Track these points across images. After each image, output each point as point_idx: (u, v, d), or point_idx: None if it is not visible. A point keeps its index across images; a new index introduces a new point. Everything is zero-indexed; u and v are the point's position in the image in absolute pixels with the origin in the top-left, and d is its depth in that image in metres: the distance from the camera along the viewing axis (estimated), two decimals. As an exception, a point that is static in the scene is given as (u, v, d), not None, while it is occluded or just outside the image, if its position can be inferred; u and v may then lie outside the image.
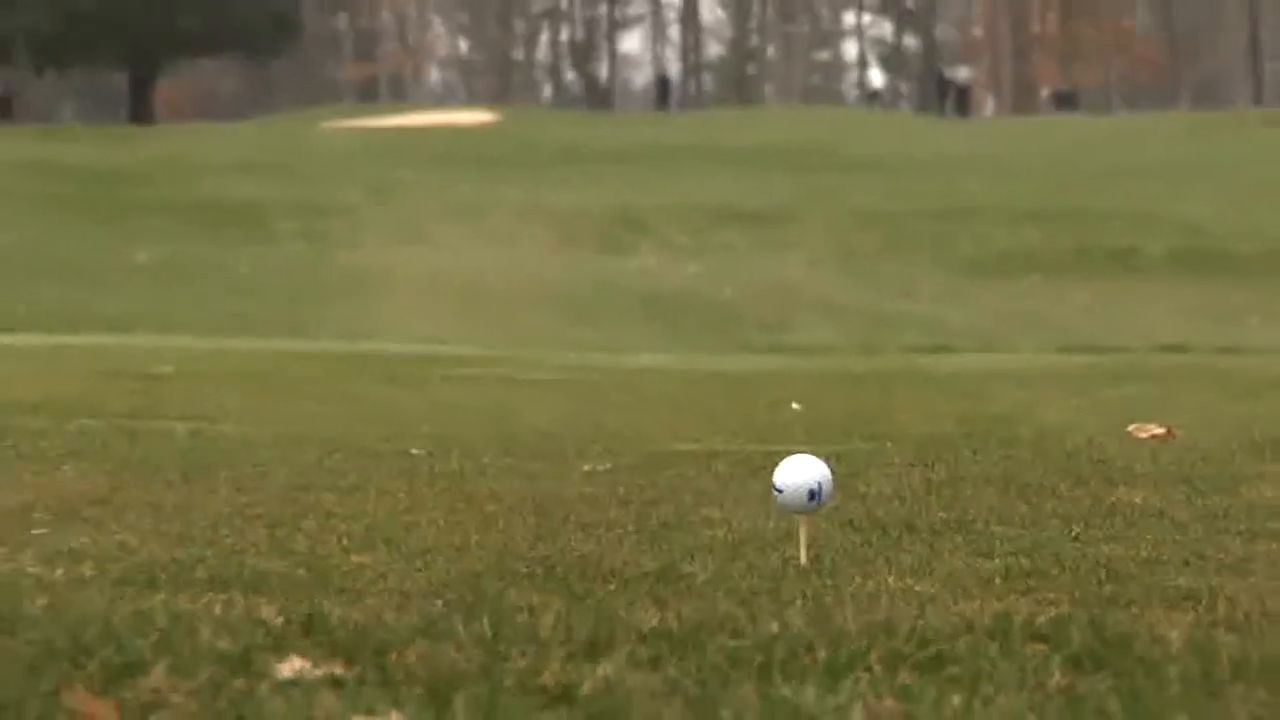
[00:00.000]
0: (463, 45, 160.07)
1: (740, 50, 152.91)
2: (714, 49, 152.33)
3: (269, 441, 10.15)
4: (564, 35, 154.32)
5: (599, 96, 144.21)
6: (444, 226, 67.83)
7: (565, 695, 5.80)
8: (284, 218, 67.63)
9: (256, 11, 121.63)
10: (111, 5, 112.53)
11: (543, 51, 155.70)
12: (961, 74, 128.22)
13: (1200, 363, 21.21)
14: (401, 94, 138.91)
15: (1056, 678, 5.98)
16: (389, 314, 45.53)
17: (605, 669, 5.98)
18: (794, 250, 64.56)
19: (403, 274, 56.66)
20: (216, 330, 32.35)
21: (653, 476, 9.25)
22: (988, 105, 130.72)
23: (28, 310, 38.99)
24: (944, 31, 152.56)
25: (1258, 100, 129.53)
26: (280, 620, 6.37)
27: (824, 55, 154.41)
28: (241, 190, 74.33)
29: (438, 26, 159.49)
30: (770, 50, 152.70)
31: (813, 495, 6.12)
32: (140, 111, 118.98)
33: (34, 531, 7.34)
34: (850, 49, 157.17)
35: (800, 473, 6.18)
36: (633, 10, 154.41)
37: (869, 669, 6.04)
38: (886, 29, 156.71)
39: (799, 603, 6.32)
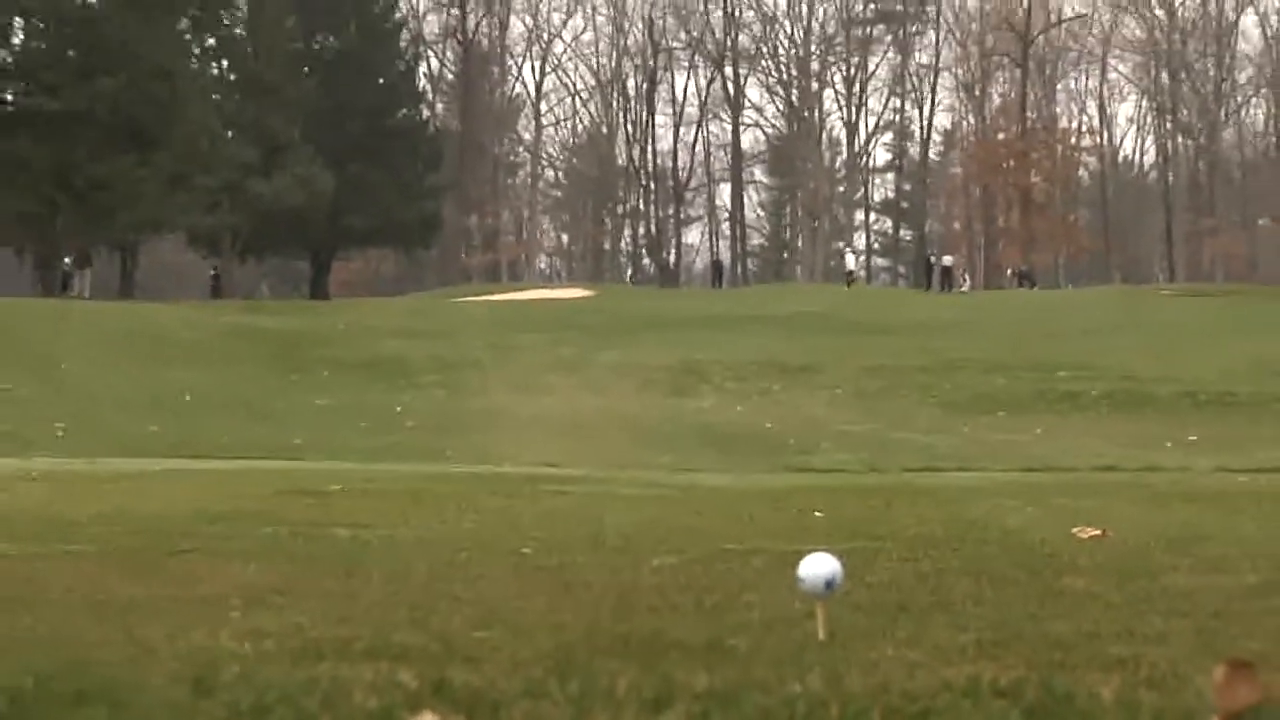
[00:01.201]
0: (564, 238, 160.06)
1: (776, 241, 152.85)
2: (756, 240, 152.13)
3: (412, 542, 10.09)
4: (641, 230, 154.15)
5: (668, 277, 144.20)
6: (551, 377, 67.86)
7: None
8: (428, 371, 67.73)
9: (409, 214, 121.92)
10: (297, 209, 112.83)
11: (625, 242, 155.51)
12: (946, 260, 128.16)
13: (1128, 479, 21.10)
14: (517, 275, 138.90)
15: (1016, 726, 6.01)
16: (508, 444, 45.39)
17: (667, 720, 6.01)
18: (819, 392, 64.45)
19: (519, 413, 56.62)
20: (375, 457, 32.25)
21: (707, 569, 9.20)
22: (965, 282, 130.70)
23: (227, 440, 39.04)
24: (931, 227, 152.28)
25: (1170, 277, 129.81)
26: (416, 683, 6.41)
27: (839, 244, 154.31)
28: (396, 349, 74.42)
29: (545, 224, 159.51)
30: (799, 241, 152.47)
31: (828, 584, 6.12)
32: (319, 290, 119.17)
33: (229, 614, 7.33)
34: (859, 240, 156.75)
35: (819, 566, 6.18)
36: (694, 211, 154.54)
37: (871, 721, 6.07)
38: (888, 224, 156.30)
39: (817, 669, 6.36)
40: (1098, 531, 11.09)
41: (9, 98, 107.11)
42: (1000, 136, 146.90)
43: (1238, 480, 21.80)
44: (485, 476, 21.20)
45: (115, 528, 10.20)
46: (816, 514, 13.02)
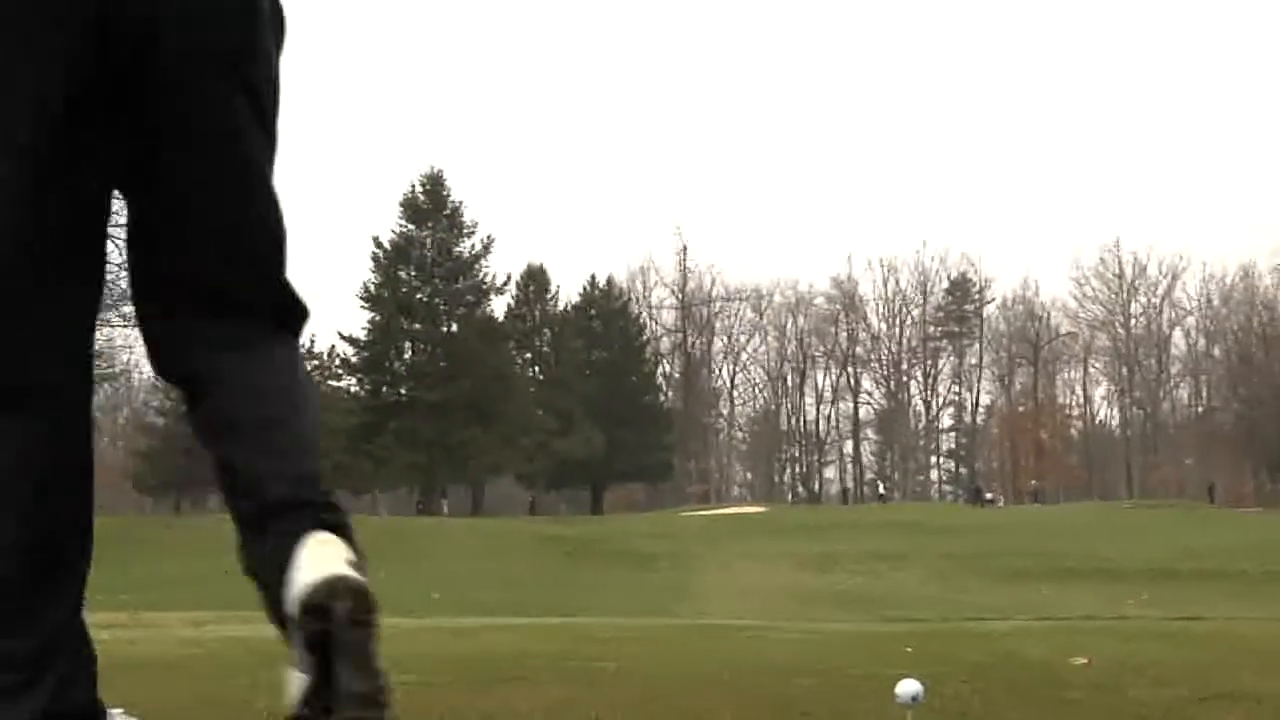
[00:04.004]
0: (749, 475, 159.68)
1: (881, 475, 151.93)
2: (869, 475, 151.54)
3: (648, 677, 9.91)
4: (796, 469, 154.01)
5: (813, 498, 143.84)
6: (741, 563, 67.47)
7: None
8: (664, 559, 67.61)
9: (652, 461, 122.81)
10: (583, 459, 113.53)
11: (787, 477, 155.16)
12: (989, 494, 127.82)
13: (1103, 625, 20.74)
14: (720, 499, 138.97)
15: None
16: (716, 605, 45.15)
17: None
18: (909, 572, 63.85)
19: (723, 586, 56.36)
20: (628, 613, 32.04)
21: (838, 685, 9.03)
22: (1000, 501, 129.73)
23: (540, 605, 38.89)
24: (978, 466, 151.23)
25: (1130, 496, 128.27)
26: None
27: (920, 478, 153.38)
28: (645, 546, 74.25)
29: (737, 466, 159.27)
30: (896, 475, 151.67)
31: (914, 699, 6.00)
32: (597, 509, 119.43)
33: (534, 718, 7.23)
34: (934, 474, 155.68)
35: (908, 686, 6.07)
36: (829, 457, 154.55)
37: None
38: (952, 465, 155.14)
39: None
40: (1085, 660, 10.86)
41: (403, 391, 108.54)
42: (1021, 409, 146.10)
43: (1176, 624, 21.43)
44: (701, 626, 21.00)
45: (472, 662, 10.12)
46: (907, 650, 12.78)
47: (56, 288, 3.29)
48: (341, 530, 3.21)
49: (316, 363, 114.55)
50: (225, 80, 3.25)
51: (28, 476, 3.28)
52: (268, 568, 3.15)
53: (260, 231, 3.40)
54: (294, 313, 3.49)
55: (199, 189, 3.31)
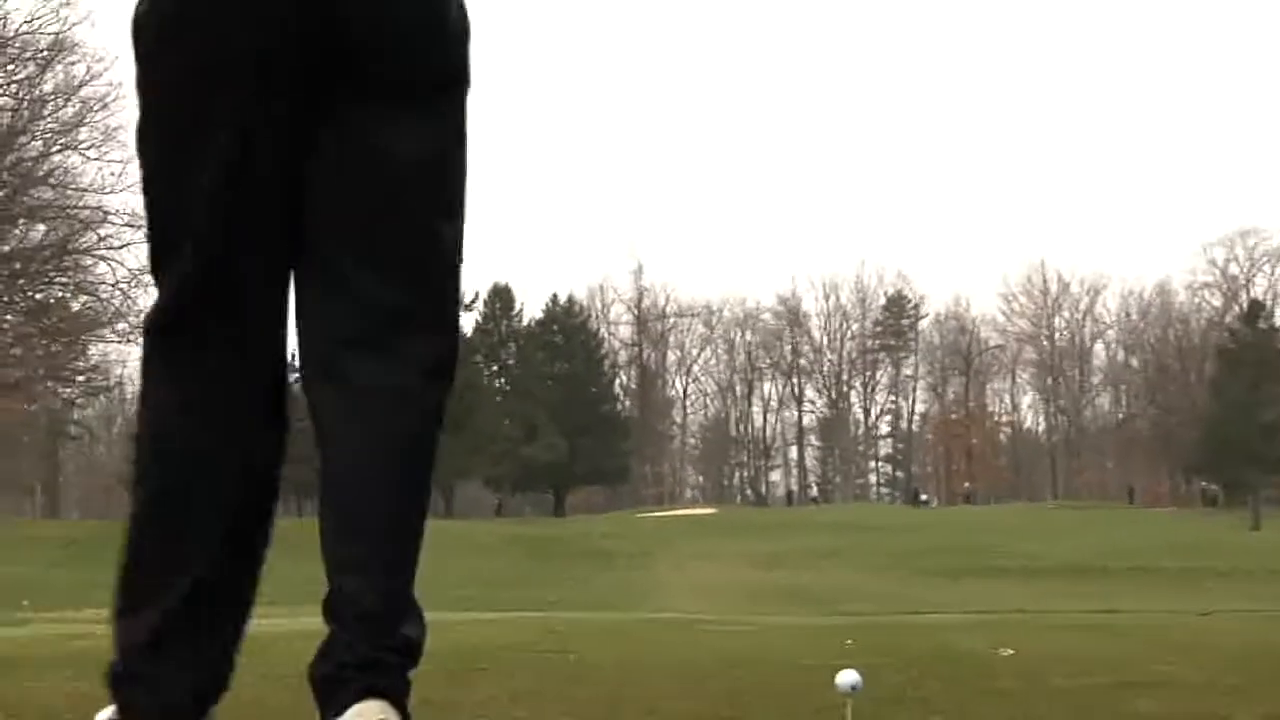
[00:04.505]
0: (700, 478, 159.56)
1: (824, 479, 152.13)
2: (811, 478, 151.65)
3: (608, 668, 9.89)
4: (745, 473, 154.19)
5: (760, 500, 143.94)
6: (694, 560, 67.53)
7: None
8: (622, 557, 67.57)
9: (611, 465, 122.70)
10: (546, 464, 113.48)
11: (736, 480, 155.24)
12: (924, 496, 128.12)
13: (1029, 618, 20.83)
14: (673, 500, 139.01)
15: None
16: (671, 599, 45.16)
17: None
18: (850, 569, 63.91)
19: (677, 582, 56.35)
20: (590, 608, 31.96)
21: (784, 675, 9.03)
22: (934, 502, 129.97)
23: (508, 600, 38.87)
24: (913, 470, 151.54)
25: (1055, 497, 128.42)
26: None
27: (860, 481, 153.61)
28: (605, 545, 74.24)
29: (689, 470, 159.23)
30: (838, 478, 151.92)
31: (853, 688, 5.98)
32: (559, 510, 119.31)
33: (500, 706, 7.22)
34: (873, 478, 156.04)
35: (847, 676, 6.05)
36: (775, 462, 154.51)
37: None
38: (889, 469, 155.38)
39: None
40: (1012, 651, 10.88)
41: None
42: (953, 416, 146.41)
43: (1098, 617, 21.48)
44: (652, 620, 20.99)
45: (444, 654, 10.17)
46: (848, 642, 12.78)
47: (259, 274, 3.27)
48: (393, 695, 3.12)
49: (297, 375, 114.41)
50: (418, 105, 3.19)
51: (221, 406, 3.28)
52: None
53: (441, 264, 3.31)
54: (449, 362, 3.42)
55: (380, 216, 3.21)
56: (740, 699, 7.26)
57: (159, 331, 3.30)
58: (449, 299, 3.34)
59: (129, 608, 3.33)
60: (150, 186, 3.25)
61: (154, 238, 3.28)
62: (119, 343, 61.51)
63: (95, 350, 63.96)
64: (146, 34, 3.19)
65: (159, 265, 3.28)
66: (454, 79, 3.24)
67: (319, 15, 3.07)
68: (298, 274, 3.29)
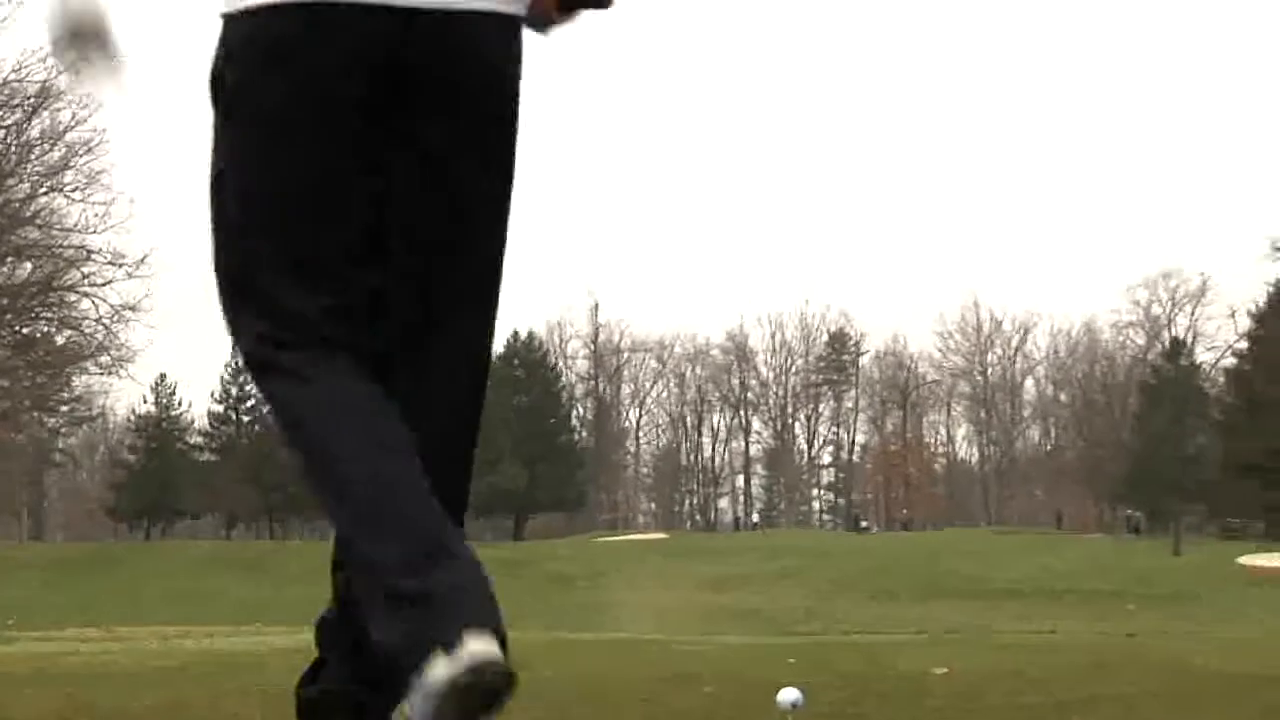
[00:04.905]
0: (653, 505, 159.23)
1: (769, 505, 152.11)
2: (758, 505, 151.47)
3: (567, 685, 9.84)
4: (694, 500, 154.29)
5: (710, 526, 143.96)
6: (647, 582, 67.37)
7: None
8: (581, 580, 67.36)
9: (569, 493, 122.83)
10: (507, 490, 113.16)
11: (687, 506, 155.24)
12: (865, 522, 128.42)
13: (969, 637, 20.82)
14: (627, 525, 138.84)
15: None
16: (626, 619, 45.00)
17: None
18: (794, 591, 63.86)
19: (632, 603, 56.20)
20: (549, 628, 31.81)
21: (731, 693, 8.97)
22: (874, 528, 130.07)
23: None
24: (854, 498, 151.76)
25: (989, 524, 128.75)
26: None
27: (804, 508, 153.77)
28: (561, 568, 74.09)
29: (641, 496, 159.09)
30: (783, 505, 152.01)
31: (794, 705, 5.96)
32: (519, 535, 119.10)
33: None
34: (816, 505, 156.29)
35: (789, 694, 6.01)
36: (724, 489, 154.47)
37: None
38: (831, 496, 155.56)
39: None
40: (946, 670, 10.87)
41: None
42: (892, 447, 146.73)
43: (1030, 637, 21.47)
44: (614, 640, 20.93)
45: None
46: (790, 661, 12.76)
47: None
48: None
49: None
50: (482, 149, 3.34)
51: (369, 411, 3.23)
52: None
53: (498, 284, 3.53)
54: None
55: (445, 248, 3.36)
56: (689, 715, 7.23)
57: (296, 347, 3.25)
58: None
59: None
60: (260, 213, 3.27)
61: (260, 262, 3.28)
62: (101, 375, 61.54)
63: (79, 382, 63.89)
64: (247, 61, 3.23)
65: (268, 291, 3.27)
66: (506, 120, 3.37)
67: (396, 60, 3.19)
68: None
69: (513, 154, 3.42)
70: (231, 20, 3.26)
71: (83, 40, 3.34)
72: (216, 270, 3.37)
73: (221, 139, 3.31)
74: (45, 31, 3.37)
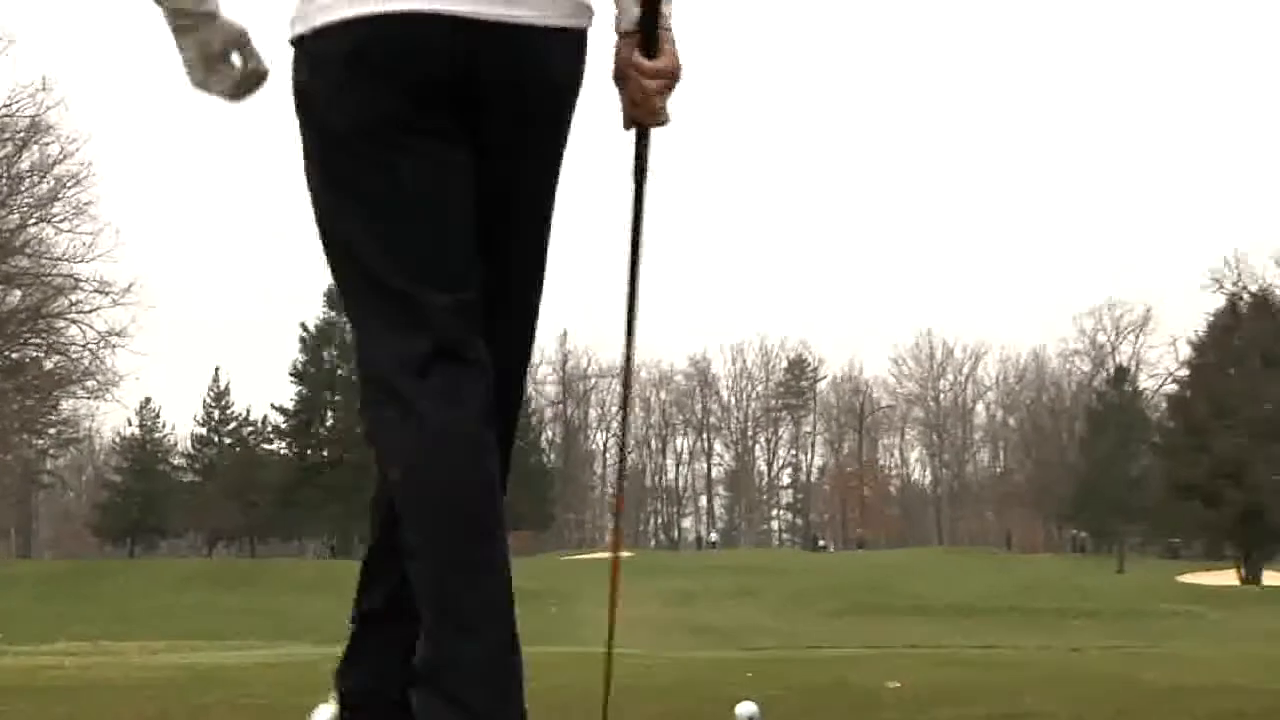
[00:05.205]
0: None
1: (730, 525, 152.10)
2: (720, 524, 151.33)
3: (535, 699, 9.74)
4: (659, 520, 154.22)
5: (673, 544, 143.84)
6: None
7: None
8: (550, 596, 67.03)
9: (540, 512, 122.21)
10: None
11: (652, 525, 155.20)
12: (822, 541, 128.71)
13: (922, 654, 20.80)
14: (594, 543, 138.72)
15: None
16: (592, 635, 44.87)
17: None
18: (754, 607, 63.75)
19: (597, 619, 55.93)
20: (523, 643, 31.66)
21: (691, 706, 8.95)
22: (831, 547, 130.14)
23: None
24: (812, 518, 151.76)
25: (941, 543, 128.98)
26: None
27: (763, 527, 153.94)
28: (532, 586, 73.71)
29: (607, 516, 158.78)
30: (743, 525, 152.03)
31: (751, 718, 5.95)
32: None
33: None
34: (775, 525, 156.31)
35: (746, 708, 6.02)
36: (688, 509, 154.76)
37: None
38: (790, 516, 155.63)
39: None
40: (899, 683, 10.87)
41: (326, 454, 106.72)
42: (848, 470, 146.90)
43: (978, 653, 21.49)
44: (583, 654, 20.83)
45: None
46: (748, 675, 12.73)
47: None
48: None
49: (252, 429, 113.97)
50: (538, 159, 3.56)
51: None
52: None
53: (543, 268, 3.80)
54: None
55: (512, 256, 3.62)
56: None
57: (435, 357, 3.33)
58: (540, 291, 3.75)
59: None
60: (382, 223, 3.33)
61: (385, 271, 3.33)
62: (88, 398, 61.42)
63: (66, 405, 63.83)
64: (331, 77, 3.27)
65: (396, 298, 3.32)
66: (565, 123, 3.56)
67: (469, 71, 3.29)
68: None
69: (564, 151, 3.63)
70: (306, 39, 3.29)
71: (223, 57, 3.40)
72: (339, 287, 3.46)
73: (314, 156, 3.36)
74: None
